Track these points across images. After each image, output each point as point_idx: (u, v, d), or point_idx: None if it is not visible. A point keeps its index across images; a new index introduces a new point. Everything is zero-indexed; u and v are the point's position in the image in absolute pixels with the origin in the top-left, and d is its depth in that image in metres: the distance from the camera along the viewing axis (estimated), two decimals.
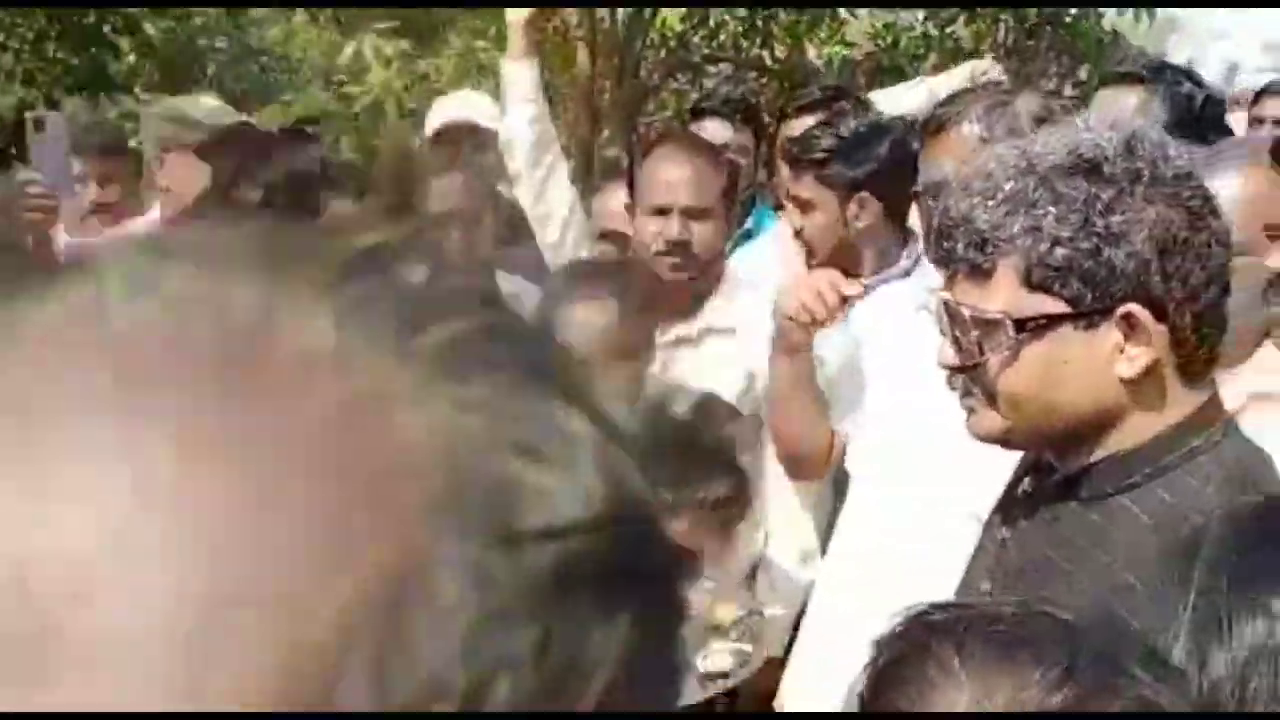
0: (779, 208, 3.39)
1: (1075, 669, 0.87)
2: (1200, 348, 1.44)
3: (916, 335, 1.83)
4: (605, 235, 3.29)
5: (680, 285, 2.71)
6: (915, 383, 1.94)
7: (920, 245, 2.77)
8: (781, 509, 2.62)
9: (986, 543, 1.65)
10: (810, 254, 2.91)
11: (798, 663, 2.47)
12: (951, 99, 2.39)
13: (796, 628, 2.55)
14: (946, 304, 1.47)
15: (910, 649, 0.95)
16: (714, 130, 3.65)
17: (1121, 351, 1.40)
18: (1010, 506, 1.60)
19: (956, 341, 1.47)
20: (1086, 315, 1.39)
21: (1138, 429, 1.43)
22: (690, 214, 2.65)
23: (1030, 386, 1.43)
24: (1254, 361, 2.08)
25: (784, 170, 2.96)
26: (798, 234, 2.92)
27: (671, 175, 2.68)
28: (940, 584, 2.06)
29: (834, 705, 2.28)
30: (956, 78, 3.90)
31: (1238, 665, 0.96)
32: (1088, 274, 1.38)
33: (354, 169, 2.50)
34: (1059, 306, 1.39)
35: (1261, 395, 2.02)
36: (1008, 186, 1.40)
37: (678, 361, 2.60)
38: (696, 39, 4.74)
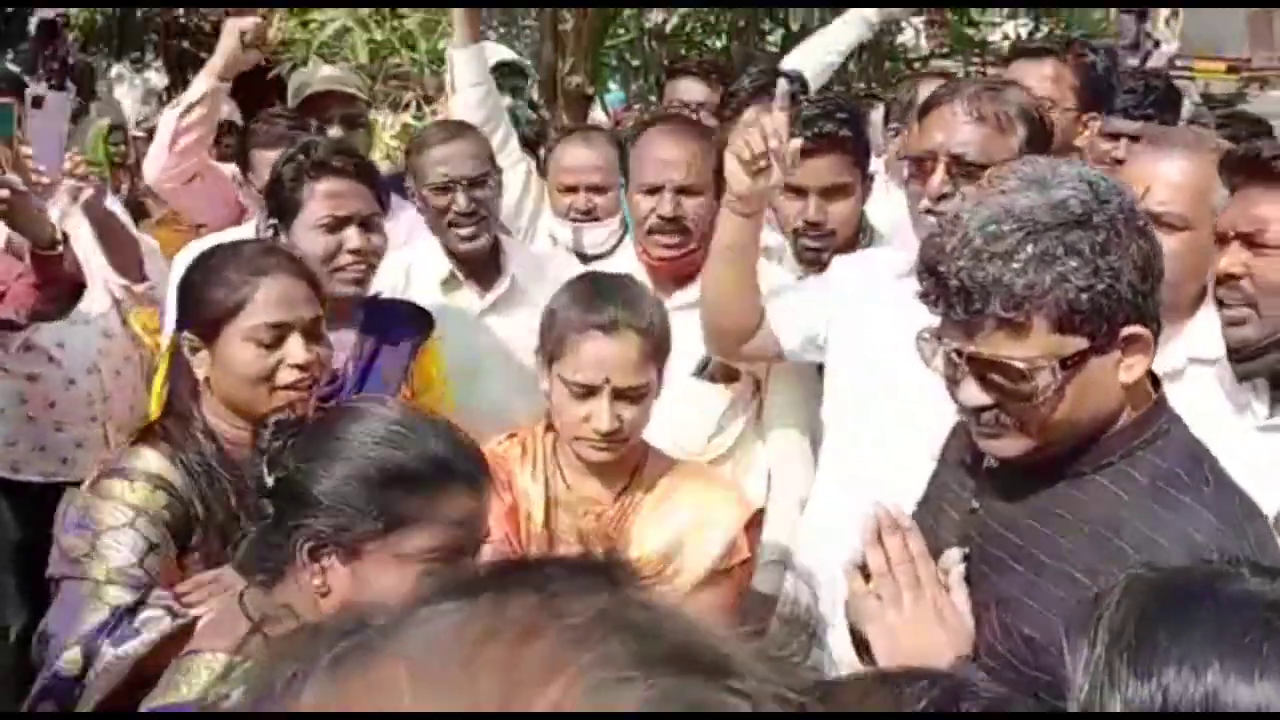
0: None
1: None
2: (1156, 345, 1.72)
3: (898, 301, 2.02)
4: (566, 189, 3.44)
5: (677, 260, 2.83)
6: (895, 343, 2.05)
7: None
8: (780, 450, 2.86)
9: (948, 509, 1.87)
10: (820, 251, 2.84)
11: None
12: (945, 85, 2.63)
13: None
14: (976, 356, 1.66)
15: None
16: (689, 89, 3.80)
17: (1120, 363, 1.67)
18: (974, 478, 1.84)
19: (987, 383, 1.67)
20: (1103, 344, 1.65)
21: (1121, 419, 1.71)
22: (683, 191, 2.78)
23: (1070, 412, 1.67)
24: (1190, 327, 2.38)
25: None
26: (811, 227, 2.84)
27: (664, 155, 2.80)
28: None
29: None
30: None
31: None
32: (1103, 310, 1.62)
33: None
34: (1081, 343, 1.64)
35: (1198, 359, 2.34)
36: (1029, 249, 1.60)
37: (677, 327, 2.64)
38: None
